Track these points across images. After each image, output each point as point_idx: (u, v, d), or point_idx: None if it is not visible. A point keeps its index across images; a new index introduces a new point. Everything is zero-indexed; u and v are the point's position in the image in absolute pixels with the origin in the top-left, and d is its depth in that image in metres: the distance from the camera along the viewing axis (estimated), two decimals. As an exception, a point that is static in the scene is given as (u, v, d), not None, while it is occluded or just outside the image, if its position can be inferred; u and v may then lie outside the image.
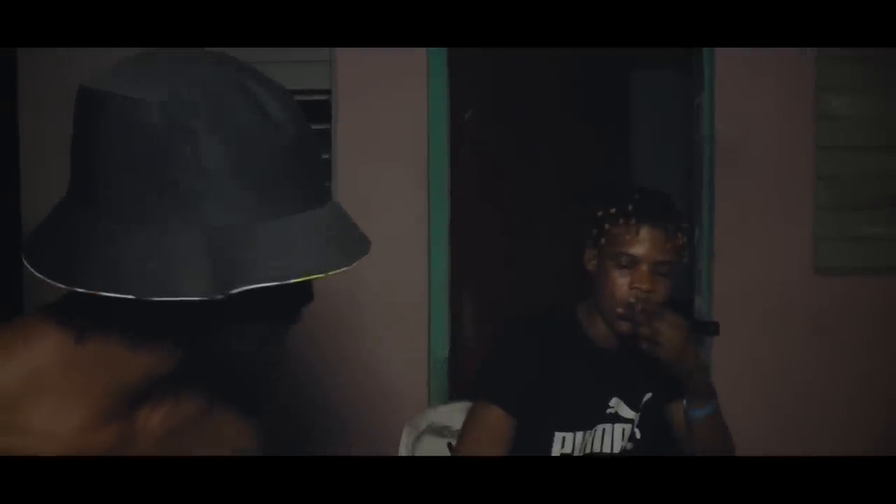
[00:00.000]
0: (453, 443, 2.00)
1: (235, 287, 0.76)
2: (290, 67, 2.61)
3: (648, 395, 1.82)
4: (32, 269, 0.81)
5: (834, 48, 2.64)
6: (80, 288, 0.76)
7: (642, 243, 1.64)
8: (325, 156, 2.73)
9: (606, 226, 1.68)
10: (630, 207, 1.66)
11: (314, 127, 2.79)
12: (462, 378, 2.81)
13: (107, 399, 0.89)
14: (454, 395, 2.72)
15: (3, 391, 0.85)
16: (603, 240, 1.68)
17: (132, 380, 0.90)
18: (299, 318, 0.93)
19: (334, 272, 0.81)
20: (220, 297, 0.76)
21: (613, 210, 1.67)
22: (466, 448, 1.73)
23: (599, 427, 1.78)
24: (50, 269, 0.79)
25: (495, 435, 1.69)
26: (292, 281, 0.78)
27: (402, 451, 1.96)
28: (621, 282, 1.66)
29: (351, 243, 0.85)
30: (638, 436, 1.82)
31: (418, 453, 1.97)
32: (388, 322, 2.76)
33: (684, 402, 1.74)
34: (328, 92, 2.73)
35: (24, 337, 0.88)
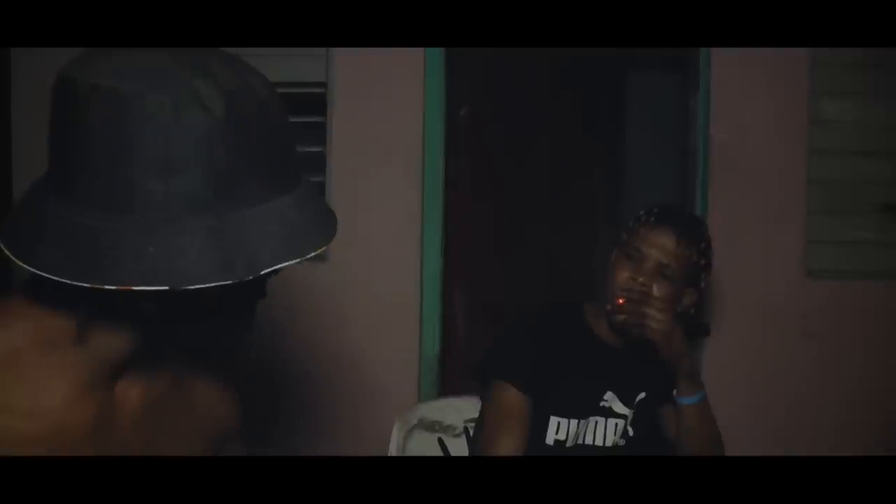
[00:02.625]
0: (444, 437, 2.01)
1: (252, 273, 0.78)
2: (287, 60, 2.60)
3: (642, 395, 1.85)
4: (4, 247, 0.81)
5: (829, 51, 2.65)
6: (109, 285, 0.77)
7: (653, 242, 1.73)
8: (318, 149, 2.73)
9: (631, 223, 1.80)
10: (655, 210, 1.78)
11: (309, 120, 2.80)
12: (452, 375, 2.81)
13: (85, 375, 0.90)
14: (444, 392, 2.73)
15: None
16: (625, 236, 1.79)
17: (110, 355, 0.90)
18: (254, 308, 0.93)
19: (327, 244, 0.85)
20: (239, 280, 0.78)
21: (642, 212, 1.79)
22: (489, 429, 1.76)
23: (593, 419, 1.82)
24: (63, 269, 0.78)
25: (517, 414, 1.74)
26: (307, 257, 0.81)
27: (392, 446, 1.97)
28: (625, 272, 1.74)
29: (330, 214, 0.89)
30: (631, 433, 1.85)
31: (408, 448, 1.98)
32: (379, 318, 2.76)
33: (675, 390, 1.78)
34: (324, 85, 2.73)
35: (1, 314, 0.88)
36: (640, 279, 1.71)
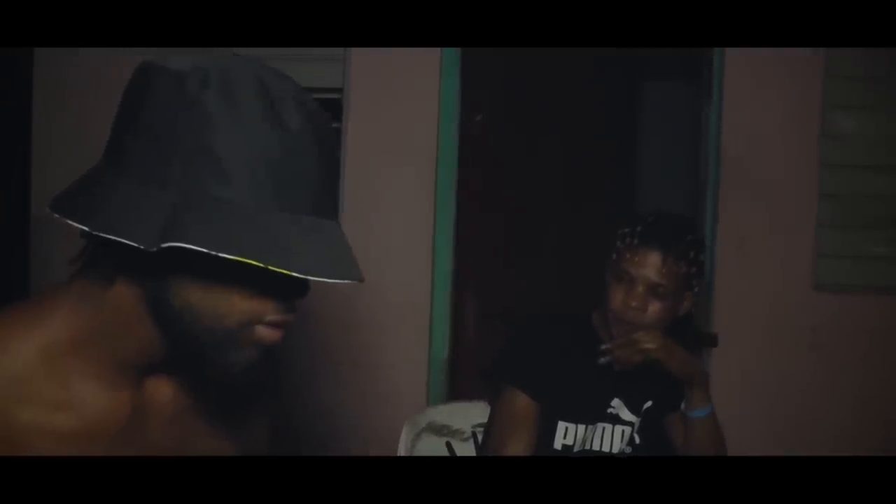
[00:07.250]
0: (452, 441, 2.03)
1: (165, 242, 0.78)
2: (303, 65, 2.63)
3: (649, 403, 1.87)
4: (55, 213, 0.85)
5: (842, 64, 2.66)
6: (87, 227, 0.81)
7: (640, 263, 1.71)
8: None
9: (618, 243, 1.77)
10: (638, 229, 1.74)
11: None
12: (462, 379, 2.83)
13: (116, 371, 0.92)
14: (453, 395, 2.75)
15: (17, 366, 0.88)
16: (614, 255, 1.77)
17: (139, 352, 0.92)
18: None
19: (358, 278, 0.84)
20: (152, 249, 0.79)
21: (626, 230, 1.76)
22: (497, 434, 1.79)
23: (600, 425, 1.84)
24: (69, 211, 0.83)
25: (526, 420, 1.77)
26: (342, 281, 0.82)
27: (401, 450, 1.99)
28: (618, 296, 1.74)
29: (348, 263, 0.86)
30: (637, 441, 1.87)
31: (417, 452, 2.00)
32: (390, 321, 2.78)
33: (682, 403, 1.80)
34: (340, 91, 2.76)
35: (35, 313, 0.91)
36: (634, 304, 1.71)
